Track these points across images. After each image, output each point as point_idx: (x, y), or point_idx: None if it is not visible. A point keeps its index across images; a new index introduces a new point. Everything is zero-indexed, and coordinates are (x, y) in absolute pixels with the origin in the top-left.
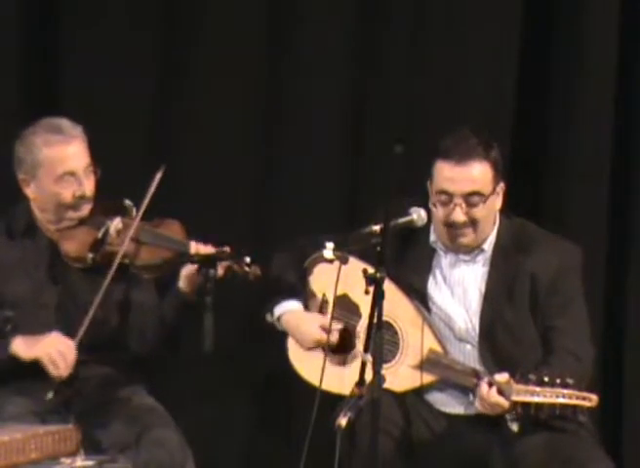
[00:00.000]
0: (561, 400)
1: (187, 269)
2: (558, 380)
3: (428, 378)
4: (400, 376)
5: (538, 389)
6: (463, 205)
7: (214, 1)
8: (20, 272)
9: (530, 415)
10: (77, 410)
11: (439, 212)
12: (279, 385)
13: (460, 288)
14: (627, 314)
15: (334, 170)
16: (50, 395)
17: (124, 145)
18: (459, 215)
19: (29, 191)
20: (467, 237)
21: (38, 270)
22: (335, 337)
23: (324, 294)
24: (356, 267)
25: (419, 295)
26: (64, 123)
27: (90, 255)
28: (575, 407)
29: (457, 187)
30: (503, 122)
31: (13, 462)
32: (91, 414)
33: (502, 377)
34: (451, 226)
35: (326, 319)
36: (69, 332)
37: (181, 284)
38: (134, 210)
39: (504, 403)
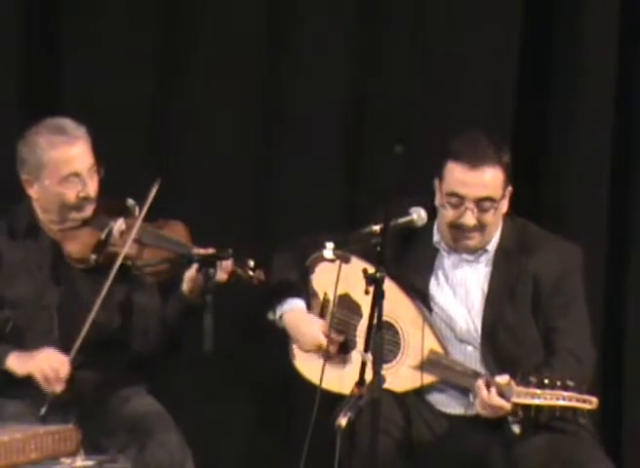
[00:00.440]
0: (561, 402)
1: (191, 272)
2: (559, 382)
3: (429, 379)
4: (401, 377)
5: (538, 391)
6: (475, 210)
7: (214, 1)
8: (23, 273)
9: (530, 417)
10: (77, 411)
11: (448, 213)
12: (279, 385)
13: (463, 288)
14: (627, 314)
15: (334, 170)
16: (43, 411)
17: (124, 145)
18: (469, 219)
19: (32, 191)
20: (474, 240)
21: (41, 271)
22: (334, 349)
23: (325, 294)
24: (358, 267)
25: (420, 295)
26: (68, 123)
27: (93, 257)
28: (575, 409)
29: (469, 192)
30: (503, 122)
31: (13, 462)
32: (91, 414)
33: (503, 379)
34: (458, 229)
35: (326, 323)
36: (70, 334)
37: (185, 287)
38: (137, 209)
39: (506, 405)
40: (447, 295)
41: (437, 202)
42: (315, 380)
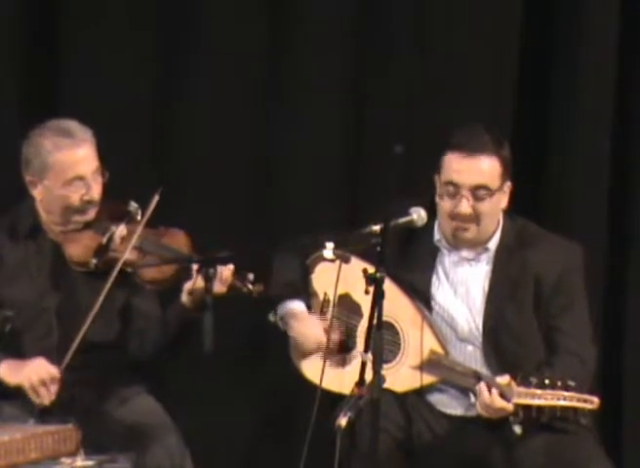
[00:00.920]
0: (562, 402)
1: (190, 284)
2: (559, 383)
3: (429, 379)
4: (401, 377)
5: (539, 392)
6: (470, 197)
7: (214, 1)
8: (23, 274)
9: (531, 418)
10: (77, 411)
11: (445, 203)
12: (279, 385)
13: (463, 287)
14: (627, 314)
15: (334, 170)
16: (31, 422)
17: (124, 145)
18: (465, 207)
19: (36, 192)
20: (470, 232)
21: (41, 273)
22: (335, 343)
23: (325, 294)
24: (358, 267)
25: (421, 295)
26: (74, 126)
27: (93, 261)
28: (576, 409)
29: (465, 179)
30: (503, 122)
31: (13, 462)
32: (91, 415)
33: (503, 380)
34: (455, 218)
35: (327, 322)
36: (68, 337)
37: (184, 298)
38: (139, 212)
39: (508, 407)
40: (448, 295)
41: (437, 196)
42: (315, 380)
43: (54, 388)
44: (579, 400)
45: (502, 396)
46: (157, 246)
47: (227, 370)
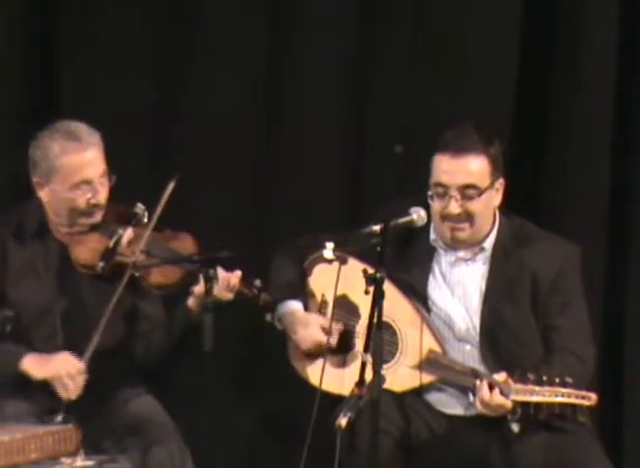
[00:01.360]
0: (560, 399)
1: (197, 289)
2: (557, 379)
3: (427, 379)
4: (399, 377)
5: (536, 388)
6: (459, 197)
7: (214, 1)
8: (29, 274)
9: (529, 415)
10: (77, 411)
11: (436, 204)
12: (279, 386)
13: (460, 287)
14: (627, 314)
15: (334, 170)
16: (59, 418)
17: (124, 145)
18: (453, 207)
19: (43, 194)
20: (464, 232)
21: (47, 274)
22: (334, 340)
23: (323, 295)
24: (355, 268)
25: (418, 295)
26: (83, 129)
27: (100, 264)
28: (574, 406)
29: (452, 179)
30: (503, 122)
31: (13, 462)
32: (91, 415)
33: (501, 377)
34: (447, 219)
35: (326, 320)
36: (73, 339)
37: (190, 303)
38: (146, 215)
39: (507, 403)
40: (445, 295)
41: (428, 197)
42: (315, 381)
43: (80, 382)
44: (576, 396)
45: (500, 393)
46: (165, 250)
47: (227, 371)
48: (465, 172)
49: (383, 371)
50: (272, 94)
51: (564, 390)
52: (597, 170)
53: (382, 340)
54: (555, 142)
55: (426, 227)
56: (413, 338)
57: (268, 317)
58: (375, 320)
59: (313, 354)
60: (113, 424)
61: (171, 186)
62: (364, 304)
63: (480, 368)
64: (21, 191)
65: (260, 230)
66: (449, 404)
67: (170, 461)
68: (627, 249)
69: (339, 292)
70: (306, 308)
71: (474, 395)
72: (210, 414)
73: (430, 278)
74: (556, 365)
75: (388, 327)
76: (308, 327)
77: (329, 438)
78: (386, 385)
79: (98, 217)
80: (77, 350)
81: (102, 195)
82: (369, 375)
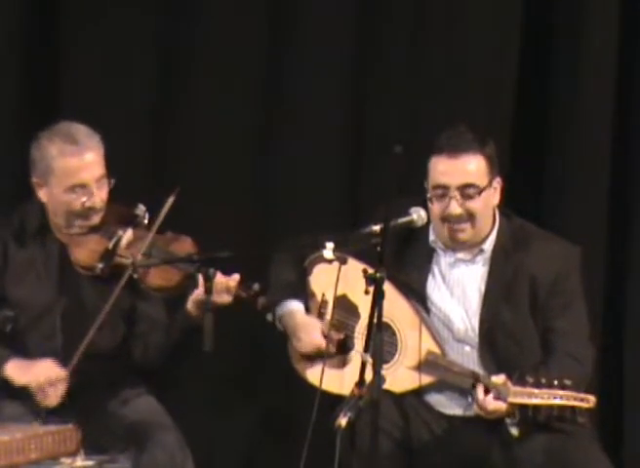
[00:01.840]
0: (558, 401)
1: (196, 293)
2: (556, 382)
3: (427, 380)
4: (398, 377)
5: (535, 391)
6: (459, 197)
7: (214, 1)
8: (29, 274)
9: (528, 417)
10: (77, 411)
11: (435, 207)
12: (279, 386)
13: (460, 288)
14: (627, 314)
15: (334, 169)
16: (37, 423)
17: (124, 145)
18: (454, 208)
19: (42, 194)
20: (466, 233)
21: (47, 274)
22: (334, 348)
23: (323, 295)
24: (355, 267)
25: (417, 296)
26: (82, 132)
27: (99, 266)
28: (573, 408)
29: (451, 180)
30: (503, 121)
31: (13, 462)
32: (91, 415)
33: (499, 379)
34: (448, 221)
35: (325, 325)
36: (72, 339)
37: (189, 306)
38: (146, 216)
39: (502, 407)
40: (444, 296)
41: (427, 201)
42: (315, 381)
43: (60, 390)
44: (575, 399)
45: (498, 395)
46: (165, 253)
47: (227, 371)
48: (463, 171)
49: (383, 372)
50: (272, 94)
51: (563, 392)
52: (597, 170)
53: (383, 340)
54: (555, 142)
55: (426, 228)
56: (412, 339)
57: (270, 317)
58: (375, 320)
59: (313, 356)
60: (113, 424)
61: (170, 200)
62: (364, 304)
63: (479, 369)
64: (22, 191)
65: (261, 230)
66: (448, 404)
67: (170, 461)
68: (627, 249)
69: (339, 292)
70: (307, 308)
71: (472, 397)
72: (210, 414)
73: (429, 279)
74: (555, 367)
75: (388, 327)
76: (308, 329)
77: (329, 438)
78: (386, 386)
79: (95, 220)
80: (76, 350)
81: (99, 198)
82: (369, 375)
